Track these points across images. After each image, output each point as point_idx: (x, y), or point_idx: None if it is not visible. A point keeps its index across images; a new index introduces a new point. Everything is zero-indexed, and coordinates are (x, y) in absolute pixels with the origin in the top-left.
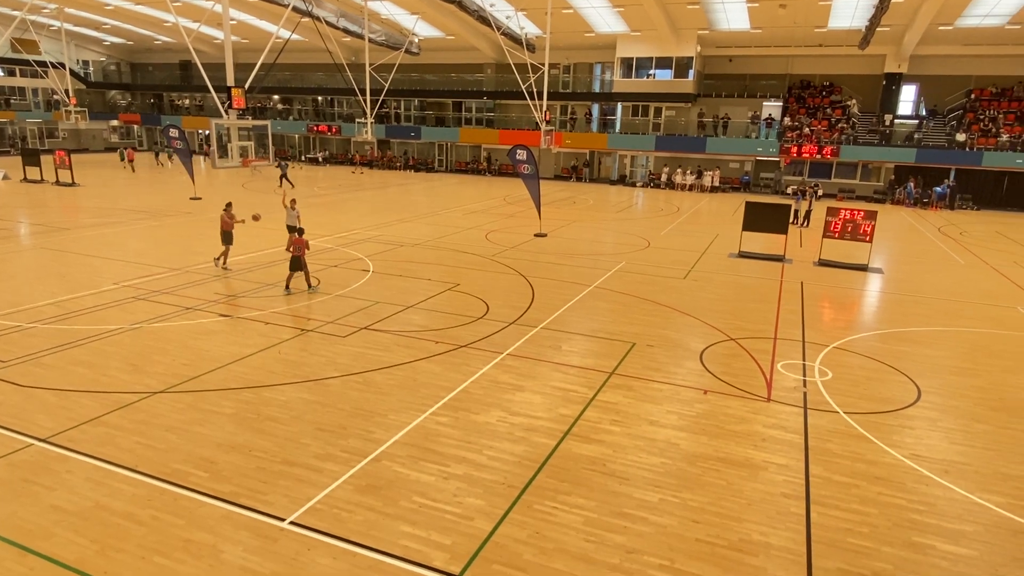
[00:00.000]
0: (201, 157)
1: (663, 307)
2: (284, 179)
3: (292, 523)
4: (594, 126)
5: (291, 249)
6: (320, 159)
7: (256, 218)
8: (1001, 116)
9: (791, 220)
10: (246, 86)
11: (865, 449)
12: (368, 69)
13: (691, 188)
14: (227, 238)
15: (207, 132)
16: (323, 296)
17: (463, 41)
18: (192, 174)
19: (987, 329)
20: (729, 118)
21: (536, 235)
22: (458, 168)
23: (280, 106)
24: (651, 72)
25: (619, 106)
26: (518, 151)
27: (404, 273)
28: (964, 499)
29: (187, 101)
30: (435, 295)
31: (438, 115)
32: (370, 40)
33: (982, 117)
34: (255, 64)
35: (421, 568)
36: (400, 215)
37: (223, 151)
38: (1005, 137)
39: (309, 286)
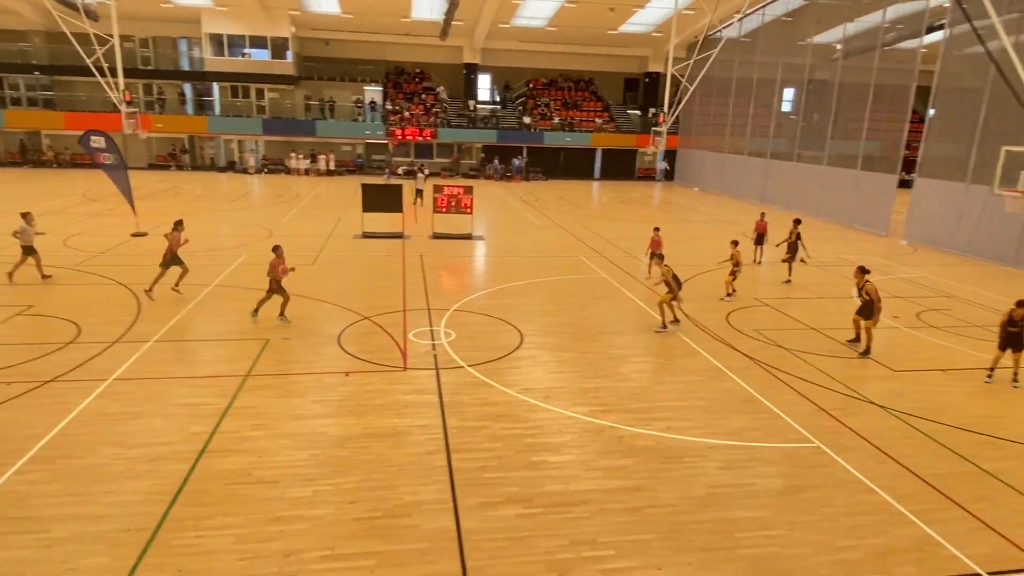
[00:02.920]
0: None
1: (295, 296)
2: None
3: None
4: (189, 108)
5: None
6: None
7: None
8: (552, 103)
9: (414, 200)
10: None
11: (488, 393)
12: None
13: (307, 172)
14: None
15: None
16: None
17: None
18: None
19: (563, 276)
20: (335, 101)
21: (134, 235)
22: (9, 160)
23: None
24: (246, 51)
25: (215, 86)
26: (92, 137)
27: None
28: (561, 416)
29: None
30: None
31: None
32: None
33: (539, 103)
34: None
35: None
36: None
37: None
38: (557, 120)
39: None
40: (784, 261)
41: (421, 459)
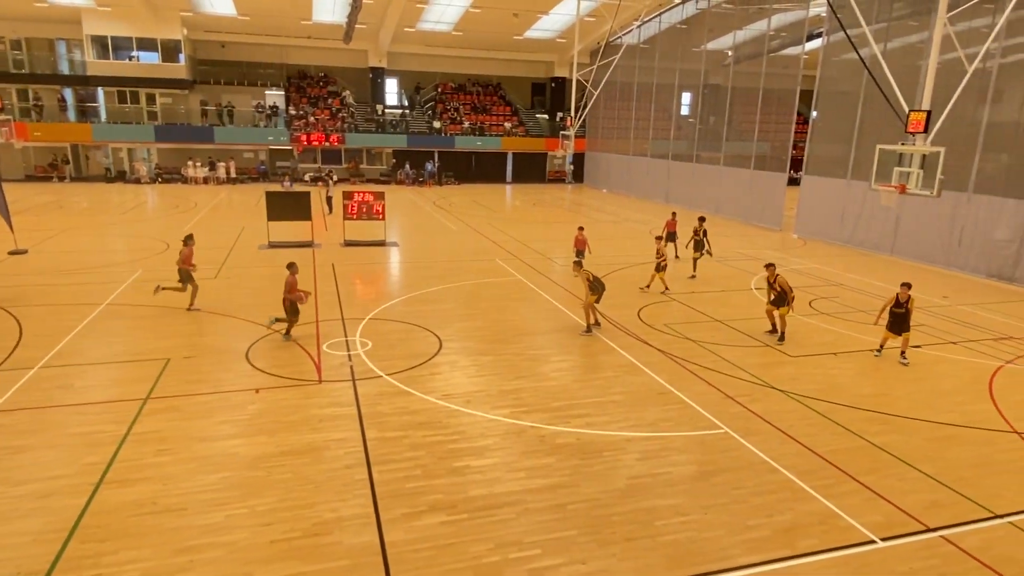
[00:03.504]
0: None
1: (197, 312)
2: None
3: None
4: (71, 114)
5: None
6: None
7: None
8: (462, 107)
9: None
10: None
11: (408, 402)
12: None
13: (207, 181)
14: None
15: None
16: None
17: None
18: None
19: (479, 280)
20: (233, 106)
21: (11, 252)
22: None
23: None
24: (134, 54)
25: (100, 91)
26: None
27: None
28: (483, 419)
29: None
30: None
31: None
32: None
33: (449, 108)
34: None
35: None
36: None
37: None
38: (467, 124)
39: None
40: (693, 257)
41: (340, 474)
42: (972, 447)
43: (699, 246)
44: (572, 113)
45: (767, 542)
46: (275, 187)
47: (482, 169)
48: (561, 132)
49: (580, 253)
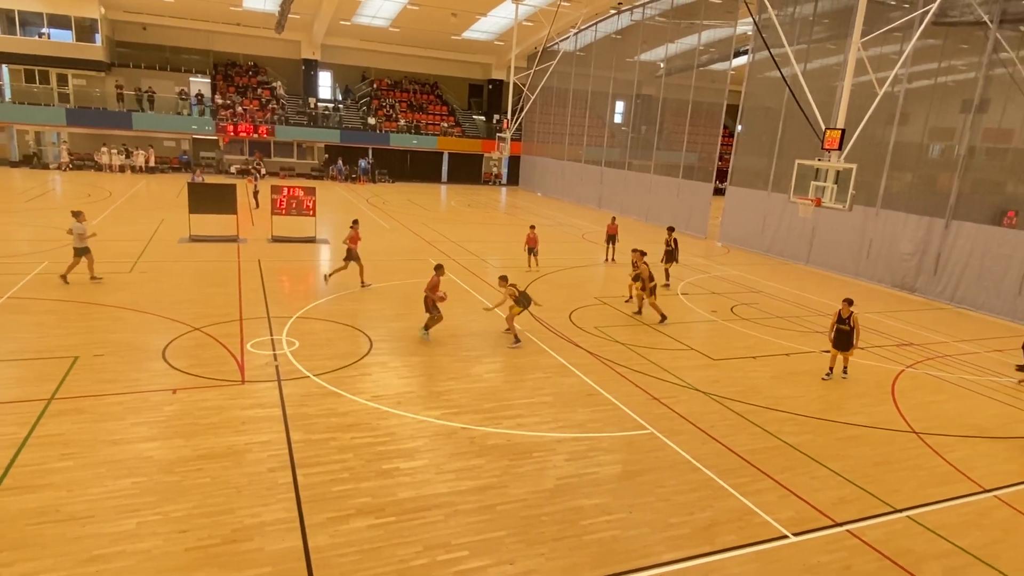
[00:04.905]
0: None
1: (110, 308)
2: None
3: None
4: None
5: None
6: None
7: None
8: (398, 104)
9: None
10: None
11: (336, 403)
12: None
13: (123, 169)
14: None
15: None
16: None
17: None
18: None
19: (412, 279)
20: (155, 92)
21: None
22: None
23: None
24: (44, 31)
25: (4, 68)
26: None
27: None
28: (413, 421)
29: None
30: None
31: None
32: None
33: (384, 104)
34: None
35: None
36: None
37: None
38: (403, 122)
39: None
40: (664, 268)
41: (263, 478)
42: (875, 446)
43: (671, 256)
44: (509, 116)
45: (688, 539)
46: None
47: (417, 168)
48: (498, 134)
49: (532, 251)
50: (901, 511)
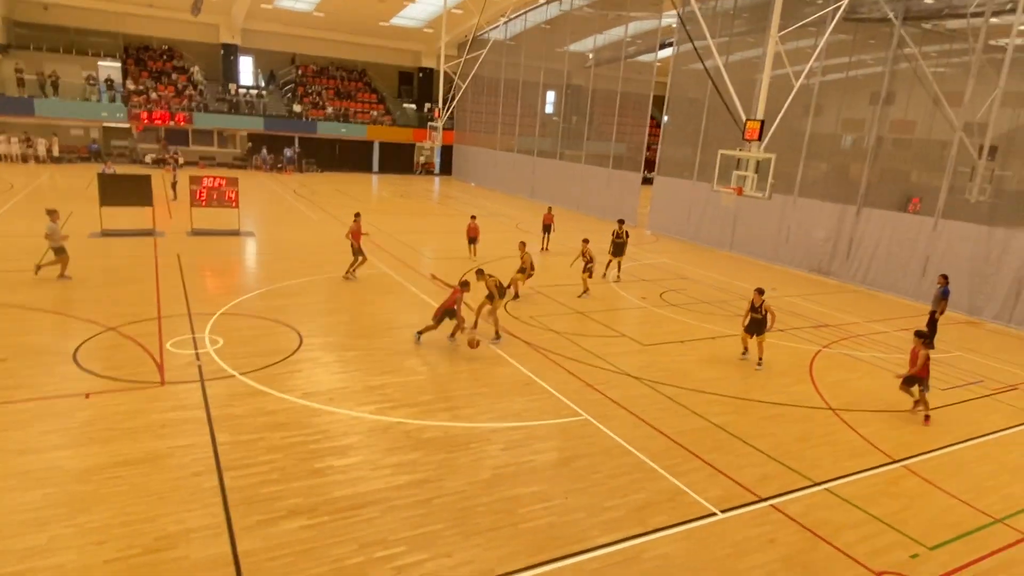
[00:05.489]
0: None
1: (14, 308)
2: None
3: None
4: None
5: None
6: None
7: None
8: (325, 91)
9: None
10: None
11: (264, 402)
12: None
13: (25, 159)
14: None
15: None
16: None
17: None
18: None
19: (343, 272)
20: (59, 77)
21: None
22: None
23: None
24: None
25: None
26: None
27: None
28: (347, 417)
29: None
30: None
31: None
32: None
33: (311, 91)
34: None
35: None
36: None
37: None
38: (331, 110)
39: None
40: (617, 260)
41: (187, 482)
42: (795, 423)
43: (619, 249)
44: (440, 105)
45: (623, 521)
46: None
47: (347, 157)
48: (429, 123)
49: (473, 240)
50: (820, 484)
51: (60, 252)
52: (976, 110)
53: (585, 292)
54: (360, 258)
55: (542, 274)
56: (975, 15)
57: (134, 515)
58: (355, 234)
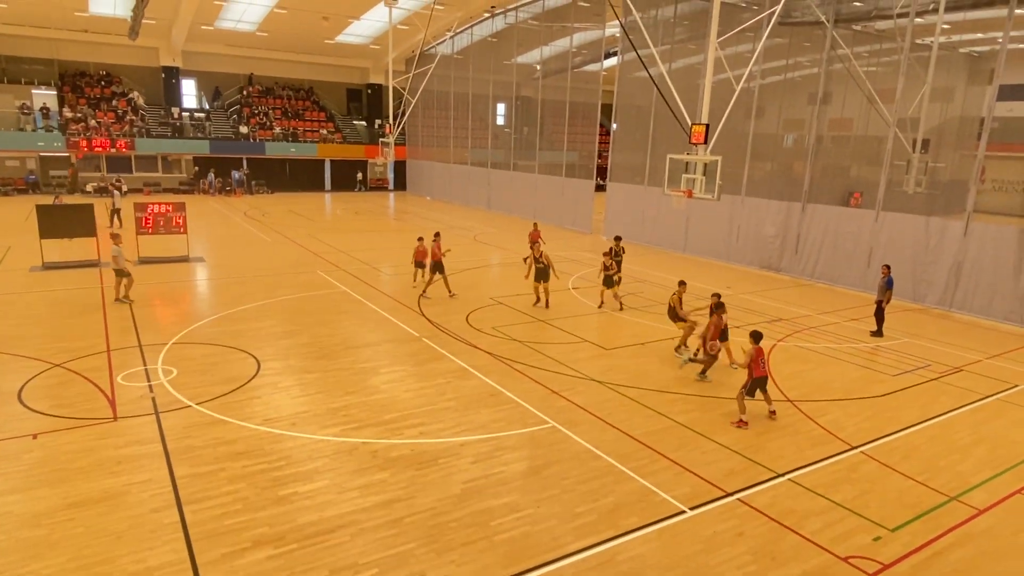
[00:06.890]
0: None
1: None
2: None
3: None
4: None
5: None
6: None
7: None
8: (272, 111)
9: (110, 222)
10: None
11: (223, 431)
12: None
13: None
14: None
15: None
16: None
17: None
18: None
19: (300, 293)
20: None
21: None
22: None
23: None
24: None
25: None
26: None
27: None
28: (310, 441)
29: None
30: None
31: None
32: None
33: (257, 112)
34: None
35: None
36: None
37: None
38: (279, 130)
39: None
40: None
41: (145, 520)
42: (757, 417)
43: (617, 269)
44: (391, 120)
45: (594, 526)
46: (47, 200)
47: (298, 177)
48: (380, 139)
49: (421, 265)
50: (783, 475)
51: (122, 274)
52: (908, 106)
53: (540, 303)
54: (436, 275)
55: (503, 285)
56: (901, 16)
57: (91, 558)
58: (433, 254)
